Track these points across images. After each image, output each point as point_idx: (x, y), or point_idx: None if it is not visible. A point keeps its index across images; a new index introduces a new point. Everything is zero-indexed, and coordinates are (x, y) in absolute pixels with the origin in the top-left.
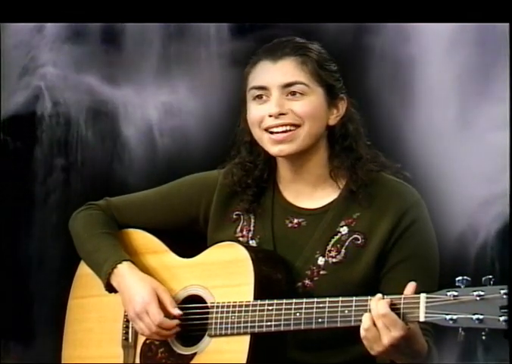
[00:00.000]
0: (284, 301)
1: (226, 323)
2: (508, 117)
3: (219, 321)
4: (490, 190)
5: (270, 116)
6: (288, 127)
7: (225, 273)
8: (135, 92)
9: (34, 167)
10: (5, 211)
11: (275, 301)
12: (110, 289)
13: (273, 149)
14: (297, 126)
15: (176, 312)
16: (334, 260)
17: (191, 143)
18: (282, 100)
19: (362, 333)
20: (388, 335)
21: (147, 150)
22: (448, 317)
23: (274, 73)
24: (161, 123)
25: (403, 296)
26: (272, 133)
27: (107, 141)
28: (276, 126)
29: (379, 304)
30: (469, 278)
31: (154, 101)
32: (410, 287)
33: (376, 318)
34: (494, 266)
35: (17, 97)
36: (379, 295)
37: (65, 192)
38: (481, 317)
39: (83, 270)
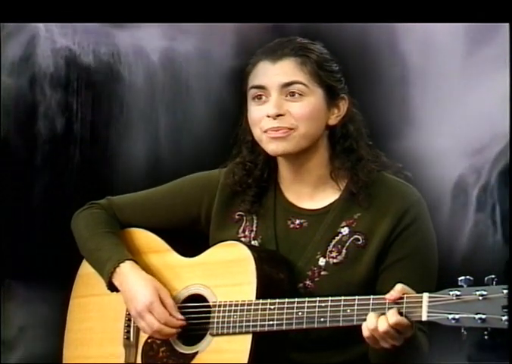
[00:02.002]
0: (286, 300)
1: (228, 322)
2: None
3: (221, 320)
4: (491, 131)
5: (268, 116)
6: (284, 130)
7: (227, 272)
8: (136, 35)
9: (35, 108)
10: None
11: (277, 300)
12: (112, 288)
13: (270, 147)
14: (293, 129)
15: (179, 316)
16: (335, 261)
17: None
18: (281, 101)
19: (365, 333)
20: (393, 338)
21: (147, 91)
22: (451, 316)
23: (273, 74)
24: (162, 68)
25: (405, 295)
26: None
27: (107, 85)
28: (274, 129)
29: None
30: (471, 278)
31: (156, 45)
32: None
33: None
34: (495, 208)
35: (15, 39)
36: (375, 314)
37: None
38: (483, 316)
39: (85, 269)
